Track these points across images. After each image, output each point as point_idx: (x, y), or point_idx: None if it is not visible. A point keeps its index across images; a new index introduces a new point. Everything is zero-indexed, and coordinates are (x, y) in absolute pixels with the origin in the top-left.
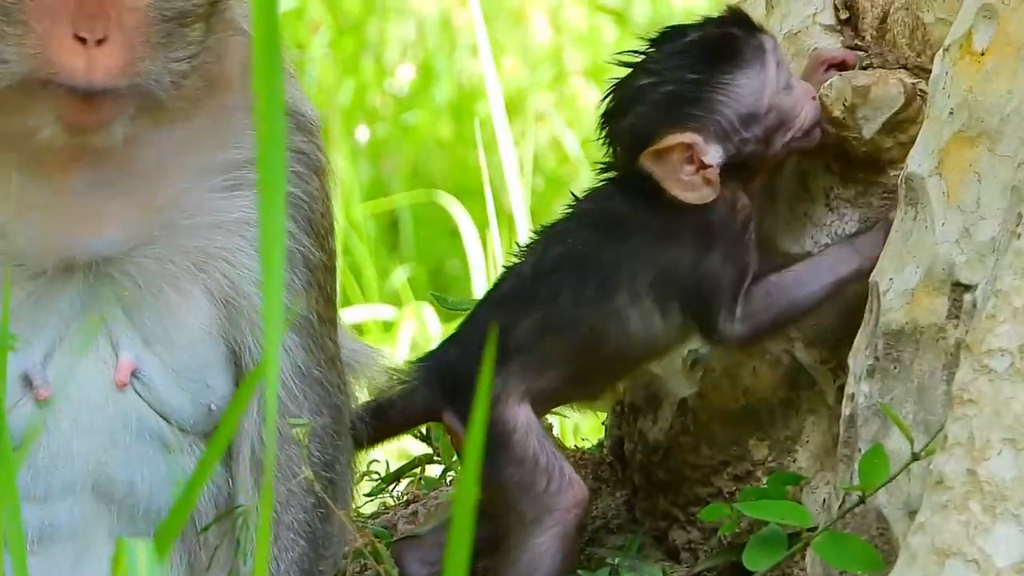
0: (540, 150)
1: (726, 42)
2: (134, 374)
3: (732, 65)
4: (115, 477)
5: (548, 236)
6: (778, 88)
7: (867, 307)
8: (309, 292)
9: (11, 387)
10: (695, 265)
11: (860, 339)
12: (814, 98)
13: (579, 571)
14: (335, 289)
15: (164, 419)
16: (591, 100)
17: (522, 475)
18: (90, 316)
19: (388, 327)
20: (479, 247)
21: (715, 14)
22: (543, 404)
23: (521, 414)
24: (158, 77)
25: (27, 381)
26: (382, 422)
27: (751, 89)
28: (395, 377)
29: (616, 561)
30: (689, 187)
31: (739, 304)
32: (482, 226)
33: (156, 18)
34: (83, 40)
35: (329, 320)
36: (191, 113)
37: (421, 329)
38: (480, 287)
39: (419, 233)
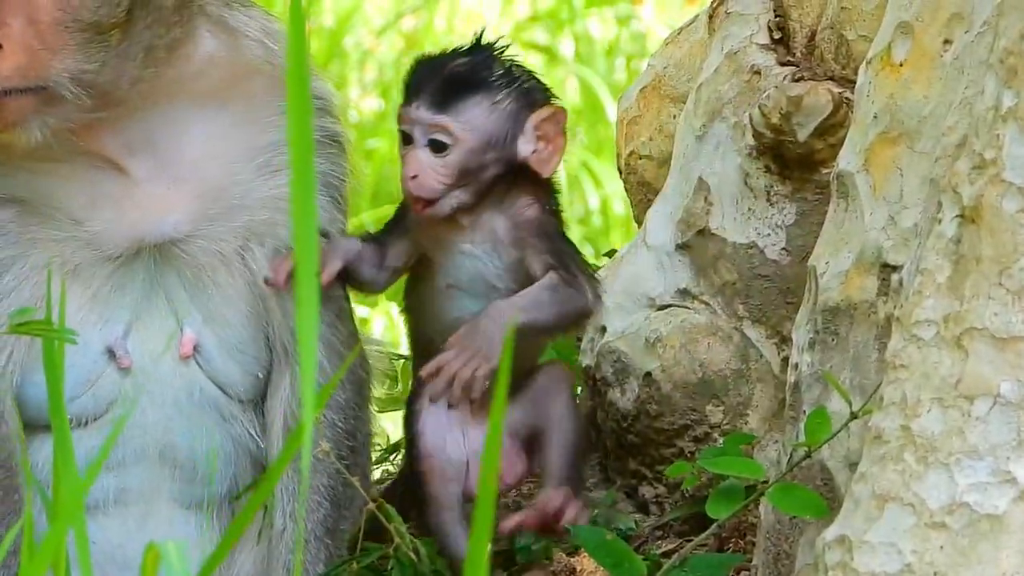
0: None
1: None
2: (195, 348)
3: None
4: (178, 444)
5: None
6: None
7: (807, 288)
8: None
9: (96, 360)
10: None
11: (801, 315)
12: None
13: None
14: None
15: (220, 389)
16: None
17: None
18: (159, 295)
19: (364, 322)
20: None
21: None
22: None
23: None
24: (59, 80)
25: (111, 354)
26: None
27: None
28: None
29: (594, 513)
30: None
31: None
32: None
33: (63, 28)
34: None
35: (348, 298)
36: (225, 101)
37: (390, 323)
38: None
39: None
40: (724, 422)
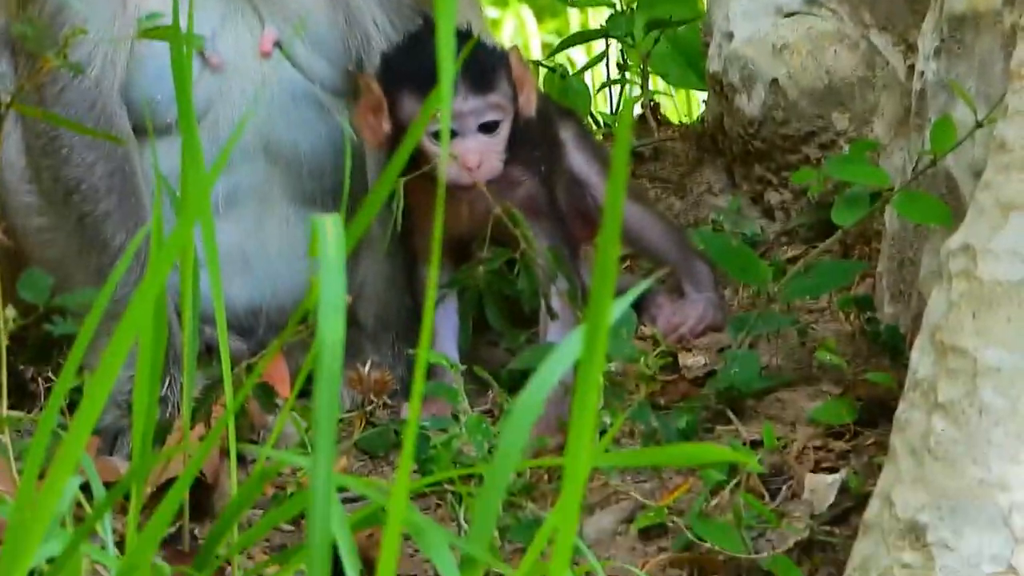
0: None
1: None
2: (277, 44)
3: None
4: (281, 139)
5: None
6: None
7: None
8: None
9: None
10: None
11: (927, 23)
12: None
13: (688, 228)
14: None
15: (313, 82)
16: None
17: None
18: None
19: (495, 24)
20: None
21: None
22: None
23: None
24: None
25: (202, 57)
26: None
27: None
28: None
29: (721, 218)
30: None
31: None
32: None
33: None
34: None
35: None
36: None
37: (520, 26)
38: None
39: None
40: (850, 129)
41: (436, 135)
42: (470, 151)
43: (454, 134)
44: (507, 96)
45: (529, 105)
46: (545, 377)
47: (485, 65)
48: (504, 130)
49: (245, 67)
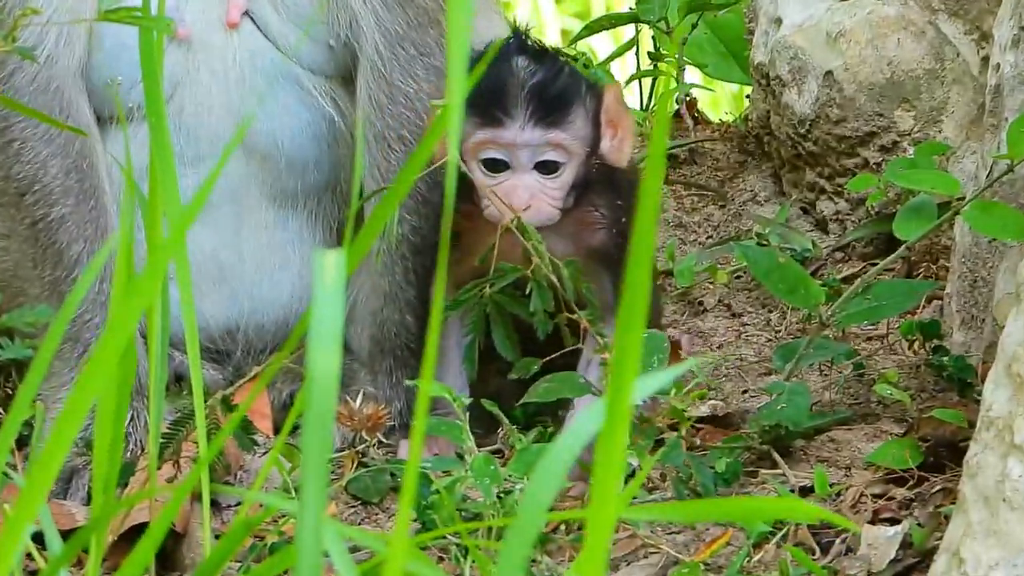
0: None
1: None
2: (247, 14)
3: None
4: (258, 128)
5: None
6: None
7: None
8: None
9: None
10: None
11: (1004, 9)
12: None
13: (729, 241)
14: None
15: (290, 58)
16: None
17: None
18: None
19: (506, 6)
20: None
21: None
22: None
23: None
24: None
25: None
26: None
27: None
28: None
29: (766, 231)
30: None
31: None
32: None
33: None
34: None
35: None
36: None
37: (536, 9)
38: None
39: None
40: (915, 129)
41: (488, 164)
42: (518, 190)
43: (506, 166)
44: (579, 137)
45: (619, 153)
46: (579, 431)
47: (558, 95)
48: (567, 174)
49: (213, 41)
